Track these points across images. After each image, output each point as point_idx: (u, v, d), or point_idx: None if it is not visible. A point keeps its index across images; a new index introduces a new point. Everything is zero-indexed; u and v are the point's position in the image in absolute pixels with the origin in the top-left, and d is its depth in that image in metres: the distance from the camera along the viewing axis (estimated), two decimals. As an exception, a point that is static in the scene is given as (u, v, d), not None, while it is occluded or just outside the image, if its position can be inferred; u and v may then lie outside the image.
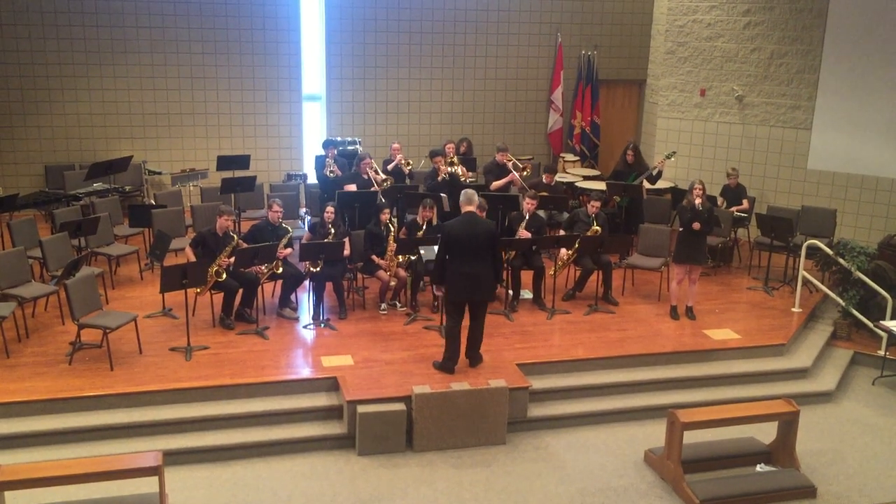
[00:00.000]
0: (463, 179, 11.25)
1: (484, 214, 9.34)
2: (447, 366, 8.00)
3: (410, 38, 14.12)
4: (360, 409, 7.32)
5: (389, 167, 11.51)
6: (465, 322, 8.04)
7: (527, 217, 9.82)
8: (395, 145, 11.91)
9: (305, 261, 9.06)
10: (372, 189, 10.71)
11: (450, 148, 11.77)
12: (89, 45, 12.85)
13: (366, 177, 10.89)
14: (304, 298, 9.63)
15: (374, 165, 11.09)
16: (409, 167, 11.75)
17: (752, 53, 12.59)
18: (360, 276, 9.72)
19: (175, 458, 6.98)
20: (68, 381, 7.59)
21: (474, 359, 8.14)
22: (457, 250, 7.78)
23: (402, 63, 14.16)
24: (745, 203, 11.67)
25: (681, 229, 9.43)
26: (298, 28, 13.67)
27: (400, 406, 7.41)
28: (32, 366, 7.87)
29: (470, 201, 7.97)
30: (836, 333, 9.79)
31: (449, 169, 11.05)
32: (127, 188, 12.52)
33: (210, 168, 12.94)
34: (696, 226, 9.22)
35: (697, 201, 9.25)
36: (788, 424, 7.24)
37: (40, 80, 12.79)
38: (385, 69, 14.10)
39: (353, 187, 10.79)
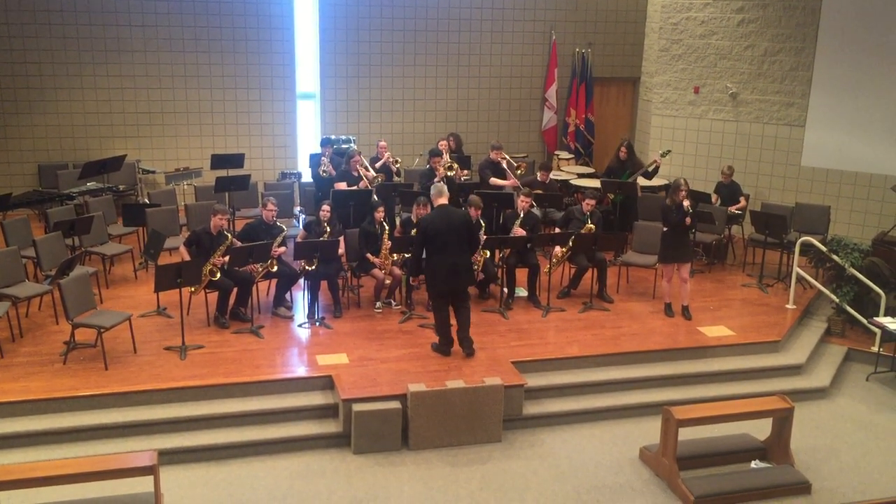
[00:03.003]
0: (458, 179, 11.26)
1: (479, 213, 9.42)
2: (443, 350, 8.30)
3: (405, 36, 14.11)
4: (356, 407, 7.32)
5: (377, 165, 11.51)
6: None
7: (522, 215, 9.83)
8: (382, 143, 11.90)
9: (300, 259, 9.05)
10: (363, 186, 10.69)
11: (443, 145, 11.77)
12: (82, 43, 12.81)
13: (356, 174, 10.87)
14: (299, 297, 9.62)
15: (365, 162, 11.07)
16: (398, 164, 11.72)
17: (745, 51, 12.61)
18: (350, 274, 9.70)
19: (170, 457, 6.97)
20: (63, 380, 7.57)
21: (466, 344, 8.27)
22: (437, 243, 8.02)
23: (396, 61, 14.15)
24: (743, 201, 11.69)
25: (665, 229, 9.42)
26: (292, 26, 13.65)
27: (395, 404, 7.40)
28: (27, 365, 7.85)
29: (440, 193, 8.26)
30: (830, 330, 9.82)
31: (448, 173, 11.06)
32: (121, 187, 12.49)
33: (204, 167, 12.92)
34: (689, 221, 9.20)
35: (687, 203, 9.22)
36: (783, 421, 7.26)
37: (33, 79, 12.75)
38: (379, 67, 14.09)
39: (343, 185, 10.78)
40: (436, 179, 10.99)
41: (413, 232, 9.37)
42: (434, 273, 8.10)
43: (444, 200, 8.21)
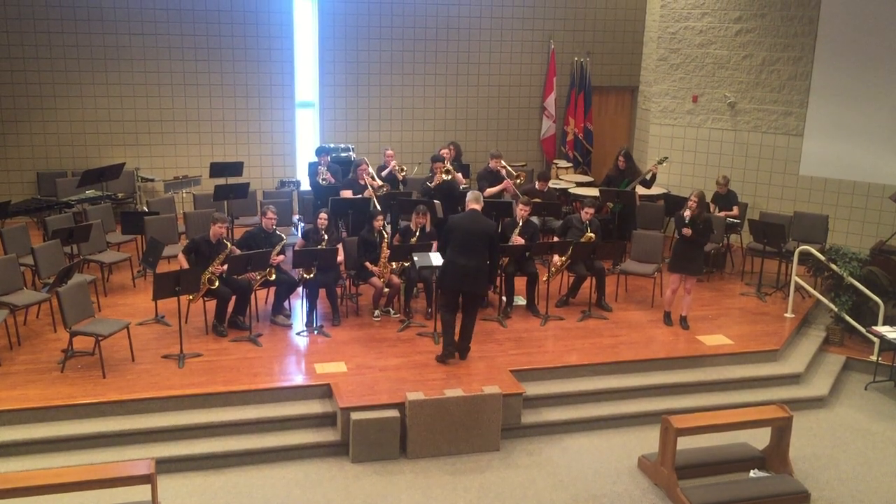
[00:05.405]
0: (458, 186, 11.27)
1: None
2: (444, 357, 8.39)
3: (404, 45, 14.15)
4: (354, 415, 7.31)
5: (383, 174, 11.50)
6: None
7: (520, 223, 9.84)
8: (389, 151, 11.90)
9: (299, 267, 9.05)
10: (366, 195, 10.70)
11: (445, 153, 11.79)
12: (82, 51, 12.84)
13: (362, 182, 10.88)
14: (298, 305, 9.61)
15: (371, 171, 11.07)
16: (404, 174, 11.74)
17: (743, 60, 12.65)
18: (349, 282, 9.70)
19: (168, 465, 6.96)
20: (60, 388, 7.56)
21: (463, 350, 8.41)
22: (455, 242, 8.22)
23: (395, 70, 14.18)
24: (735, 210, 11.69)
25: (677, 237, 9.42)
26: (291, 35, 13.67)
27: (394, 413, 7.40)
28: (24, 374, 7.84)
29: (476, 200, 8.50)
30: (828, 339, 9.82)
31: (444, 177, 11.07)
32: (119, 195, 12.49)
33: (203, 175, 12.93)
34: (687, 231, 9.19)
35: (686, 213, 9.23)
36: (782, 430, 7.26)
37: (33, 87, 12.77)
38: (378, 76, 14.12)
39: (348, 193, 10.79)
40: (432, 184, 11.03)
41: (412, 240, 9.41)
42: (446, 269, 8.27)
43: (476, 206, 8.46)
